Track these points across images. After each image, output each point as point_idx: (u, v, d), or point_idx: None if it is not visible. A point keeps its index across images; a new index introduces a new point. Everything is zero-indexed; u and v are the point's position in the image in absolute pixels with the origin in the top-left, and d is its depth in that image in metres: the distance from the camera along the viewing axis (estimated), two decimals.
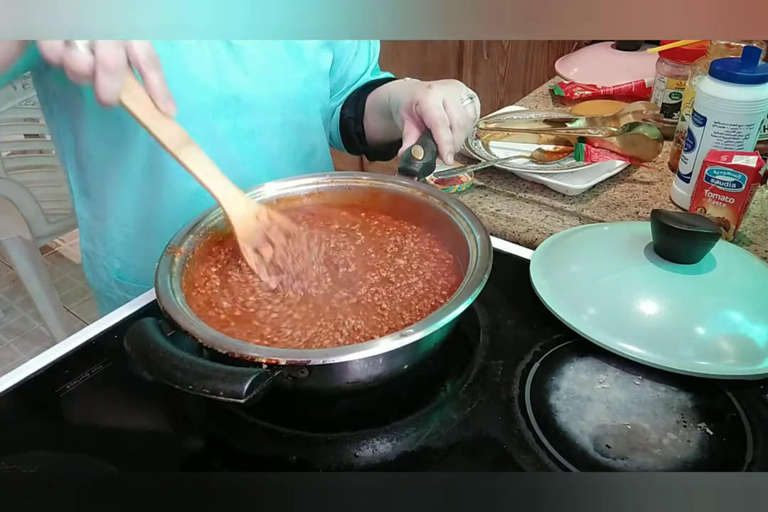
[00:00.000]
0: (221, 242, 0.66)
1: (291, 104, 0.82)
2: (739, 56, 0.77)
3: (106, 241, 0.86)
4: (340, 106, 0.93)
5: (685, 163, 0.85)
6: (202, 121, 0.76)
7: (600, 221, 0.85)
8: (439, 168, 0.87)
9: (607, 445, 0.51)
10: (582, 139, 0.93)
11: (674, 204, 0.89)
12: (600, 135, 0.94)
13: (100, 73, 0.48)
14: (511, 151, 1.00)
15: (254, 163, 0.82)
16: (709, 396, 0.56)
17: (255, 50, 0.76)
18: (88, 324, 0.66)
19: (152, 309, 0.67)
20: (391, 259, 0.64)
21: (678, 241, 0.61)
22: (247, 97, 0.77)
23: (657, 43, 1.03)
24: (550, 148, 0.99)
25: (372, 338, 0.53)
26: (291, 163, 0.86)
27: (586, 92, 1.19)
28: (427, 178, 0.74)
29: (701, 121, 0.80)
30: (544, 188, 0.93)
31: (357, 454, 0.52)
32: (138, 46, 0.50)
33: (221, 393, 0.43)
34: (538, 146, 1.00)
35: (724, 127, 0.79)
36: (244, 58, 0.76)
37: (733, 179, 0.73)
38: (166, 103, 0.52)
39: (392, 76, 0.95)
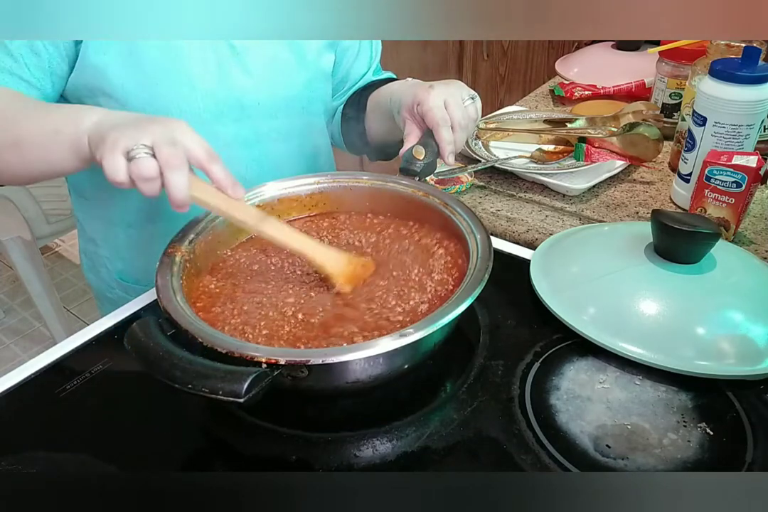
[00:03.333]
0: (222, 242, 0.66)
1: (294, 106, 0.82)
2: (739, 56, 0.77)
3: (110, 242, 0.85)
4: (342, 106, 0.93)
5: (685, 163, 0.85)
6: (206, 126, 0.76)
7: (600, 221, 0.85)
8: (440, 168, 0.87)
9: (607, 445, 0.51)
10: (582, 139, 0.93)
11: (674, 204, 0.89)
12: (600, 135, 0.94)
13: (168, 172, 0.50)
14: (511, 151, 1.00)
15: (258, 168, 0.82)
16: (709, 396, 0.56)
17: (258, 52, 0.76)
18: (88, 325, 0.66)
19: (152, 309, 0.68)
20: (390, 261, 0.64)
21: (678, 241, 0.61)
22: (250, 101, 0.77)
23: (657, 43, 1.03)
24: (550, 148, 0.99)
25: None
26: (295, 166, 0.86)
27: (586, 92, 1.19)
28: (428, 178, 0.74)
29: (701, 121, 0.80)
30: (544, 188, 0.93)
31: (357, 454, 0.52)
32: (192, 143, 0.52)
33: (220, 393, 0.44)
34: (538, 146, 1.00)
35: (724, 127, 0.79)
36: (247, 61, 0.75)
37: (733, 179, 0.73)
38: (235, 189, 0.55)
39: (394, 76, 0.95)
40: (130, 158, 0.50)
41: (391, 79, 0.91)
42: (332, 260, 0.60)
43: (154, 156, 0.50)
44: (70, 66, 0.69)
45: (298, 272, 0.64)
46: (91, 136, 0.55)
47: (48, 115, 0.59)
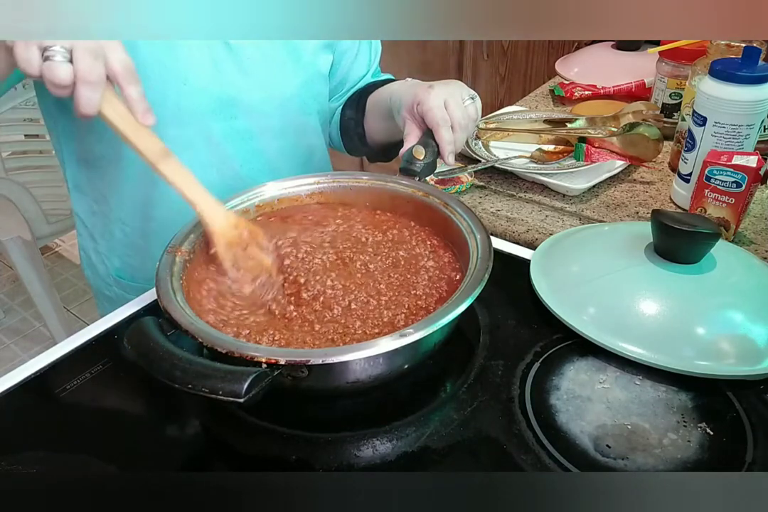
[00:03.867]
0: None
1: (289, 106, 0.82)
2: (739, 56, 0.77)
3: (107, 238, 0.86)
4: (341, 107, 0.93)
5: (685, 163, 0.85)
6: (200, 123, 0.76)
7: (600, 221, 0.85)
8: (440, 168, 0.87)
9: (607, 445, 0.51)
10: (582, 139, 0.93)
11: (674, 204, 0.89)
12: (600, 135, 0.94)
13: (81, 85, 0.48)
14: (511, 151, 1.00)
15: (252, 165, 0.82)
16: (709, 396, 0.56)
17: (253, 51, 0.76)
18: (88, 325, 0.66)
19: (152, 309, 0.67)
20: (390, 260, 0.64)
21: (678, 241, 0.61)
22: (245, 99, 0.77)
23: (657, 43, 1.03)
24: (550, 148, 0.99)
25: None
26: (289, 164, 0.86)
27: (586, 92, 1.19)
28: (427, 178, 0.74)
29: (701, 121, 0.80)
30: (544, 188, 0.93)
31: (357, 454, 0.52)
32: (116, 59, 0.50)
33: (220, 393, 0.43)
34: (538, 146, 1.00)
35: (724, 127, 0.79)
36: (242, 60, 0.76)
37: (733, 179, 0.73)
38: (145, 115, 0.53)
39: (393, 78, 0.95)
40: (45, 57, 0.48)
41: (390, 80, 0.91)
42: (219, 219, 0.59)
43: (71, 61, 0.48)
44: None
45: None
46: None
47: None
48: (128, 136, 0.53)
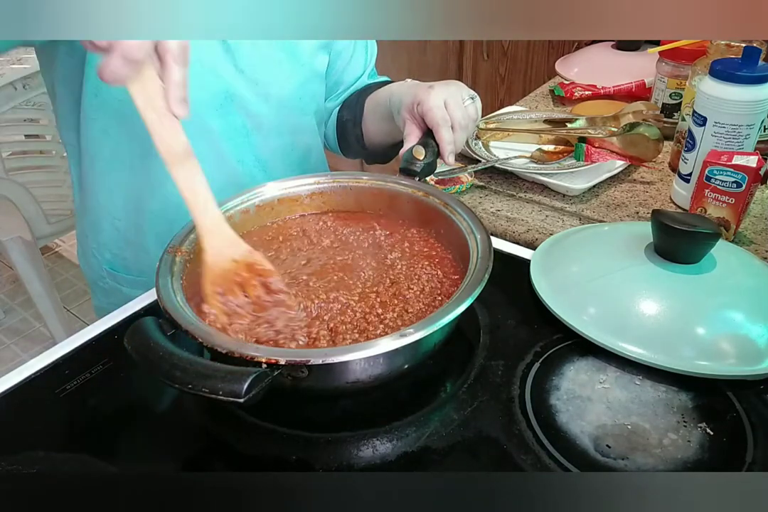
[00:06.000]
0: None
1: (285, 105, 0.82)
2: (739, 56, 0.77)
3: (98, 233, 0.86)
4: (338, 109, 0.93)
5: (686, 163, 0.85)
6: (197, 119, 0.76)
7: (600, 221, 0.85)
8: (440, 168, 0.87)
9: (607, 445, 0.51)
10: (582, 139, 0.93)
11: (674, 204, 0.89)
12: (600, 135, 0.94)
13: (116, 54, 0.45)
14: (512, 151, 1.00)
15: (248, 162, 0.82)
16: (709, 396, 0.56)
17: (250, 50, 0.76)
18: (88, 325, 0.66)
19: (152, 309, 0.68)
20: (391, 261, 0.64)
21: (678, 241, 0.61)
22: (242, 97, 0.77)
23: (657, 43, 1.03)
24: (551, 148, 0.99)
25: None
26: (285, 162, 0.86)
27: (587, 92, 1.19)
28: (428, 178, 0.74)
29: (701, 121, 0.80)
30: (544, 188, 0.93)
31: (357, 454, 0.52)
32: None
33: (220, 393, 0.43)
34: (538, 146, 1.00)
35: (724, 127, 0.79)
36: (239, 58, 0.76)
37: (734, 179, 0.73)
38: (178, 104, 0.48)
39: (390, 80, 0.95)
40: None
41: (387, 82, 0.91)
42: (217, 245, 0.52)
43: None
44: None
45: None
46: None
47: None
48: (150, 124, 0.48)
